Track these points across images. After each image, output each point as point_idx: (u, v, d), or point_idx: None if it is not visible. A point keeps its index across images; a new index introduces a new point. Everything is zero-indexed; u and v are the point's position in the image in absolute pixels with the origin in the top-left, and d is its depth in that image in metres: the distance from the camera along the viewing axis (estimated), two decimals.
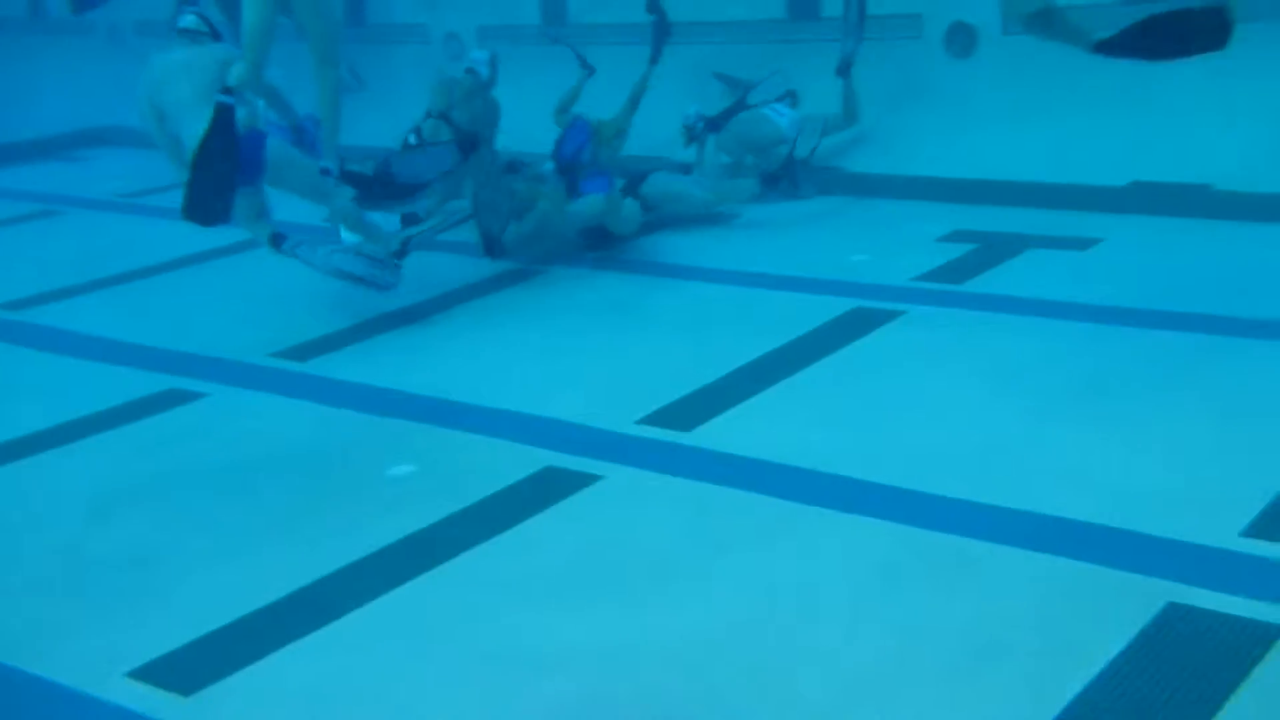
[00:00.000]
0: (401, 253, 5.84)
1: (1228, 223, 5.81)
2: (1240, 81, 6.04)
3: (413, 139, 6.48)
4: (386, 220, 6.30)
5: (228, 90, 5.24)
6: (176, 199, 8.01)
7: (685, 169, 6.95)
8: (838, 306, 5.19)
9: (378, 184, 5.81)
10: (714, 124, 6.97)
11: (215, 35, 5.88)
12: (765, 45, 7.52)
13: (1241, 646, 2.71)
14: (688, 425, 4.16)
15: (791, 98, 7.18)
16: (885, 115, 7.23)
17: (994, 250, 5.79)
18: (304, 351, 5.16)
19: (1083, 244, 5.77)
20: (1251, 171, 5.94)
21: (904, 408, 4.20)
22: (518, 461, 3.97)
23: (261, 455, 4.18)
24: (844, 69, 7.01)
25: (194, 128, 5.24)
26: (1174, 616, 2.84)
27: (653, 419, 4.24)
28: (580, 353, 5.00)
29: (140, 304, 6.06)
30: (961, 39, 6.94)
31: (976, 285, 5.36)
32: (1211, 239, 5.70)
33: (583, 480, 3.82)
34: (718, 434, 4.09)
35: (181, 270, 6.58)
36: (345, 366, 4.98)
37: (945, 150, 6.85)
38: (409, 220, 6.49)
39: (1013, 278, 5.43)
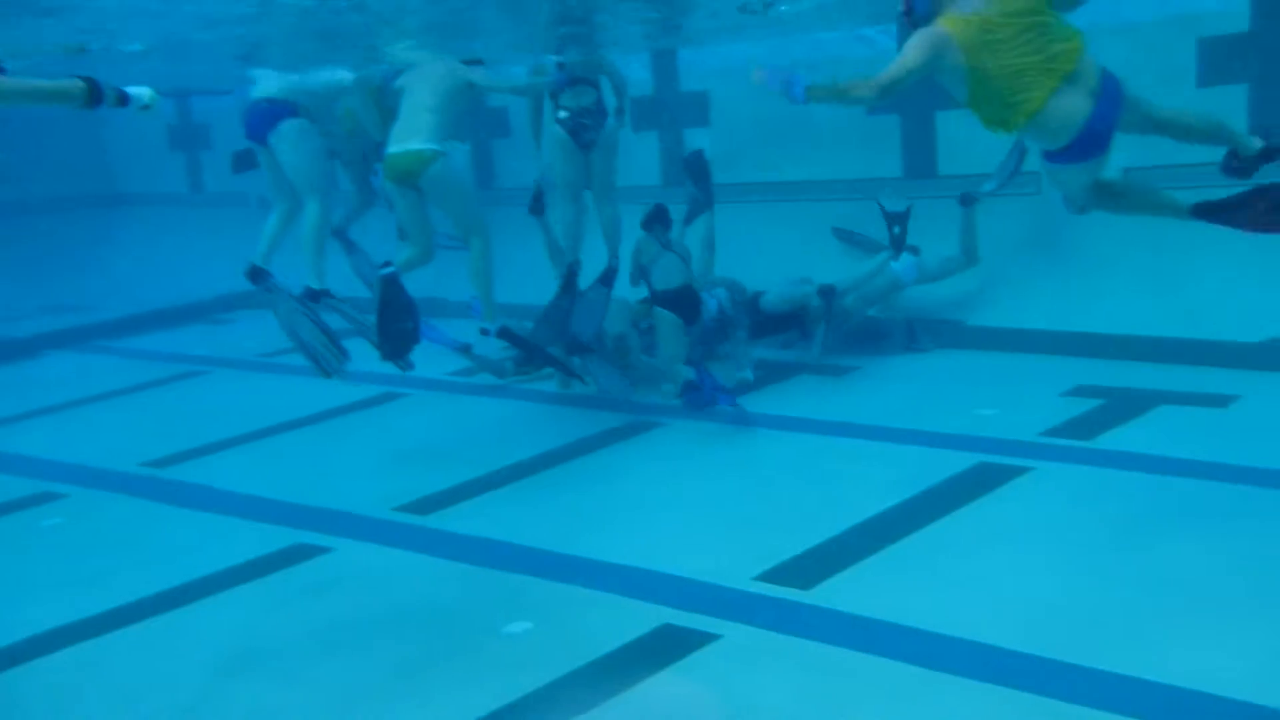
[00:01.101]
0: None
1: None
2: None
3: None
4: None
5: (388, 264, 6.09)
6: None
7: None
8: (962, 461, 5.08)
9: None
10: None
11: None
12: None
13: None
14: (807, 583, 4.07)
15: (910, 250, 7.21)
16: (1007, 270, 7.19)
17: (1123, 406, 5.61)
18: (426, 505, 5.26)
19: (1219, 401, 5.55)
20: None
21: (1034, 569, 4.03)
22: (635, 618, 3.92)
23: (380, 612, 4.22)
24: (968, 200, 7.03)
25: None
26: None
27: (772, 575, 4.16)
28: (698, 506, 4.97)
29: (275, 460, 6.28)
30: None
31: (1108, 442, 5.19)
32: None
33: (701, 639, 3.75)
34: (838, 593, 3.98)
35: (315, 425, 6.83)
36: (465, 520, 5.04)
37: (1068, 305, 6.75)
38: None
39: (1146, 435, 5.24)
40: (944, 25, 4.06)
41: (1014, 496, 4.71)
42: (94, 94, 4.45)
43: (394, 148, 6.43)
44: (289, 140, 6.97)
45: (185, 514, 5.52)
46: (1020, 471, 4.91)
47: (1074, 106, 4.06)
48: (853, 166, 7.82)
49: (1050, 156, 4.27)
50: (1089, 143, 4.12)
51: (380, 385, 7.51)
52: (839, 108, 7.75)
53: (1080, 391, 5.91)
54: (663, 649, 3.71)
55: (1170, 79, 6.37)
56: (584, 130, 6.89)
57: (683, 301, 6.38)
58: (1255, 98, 6.40)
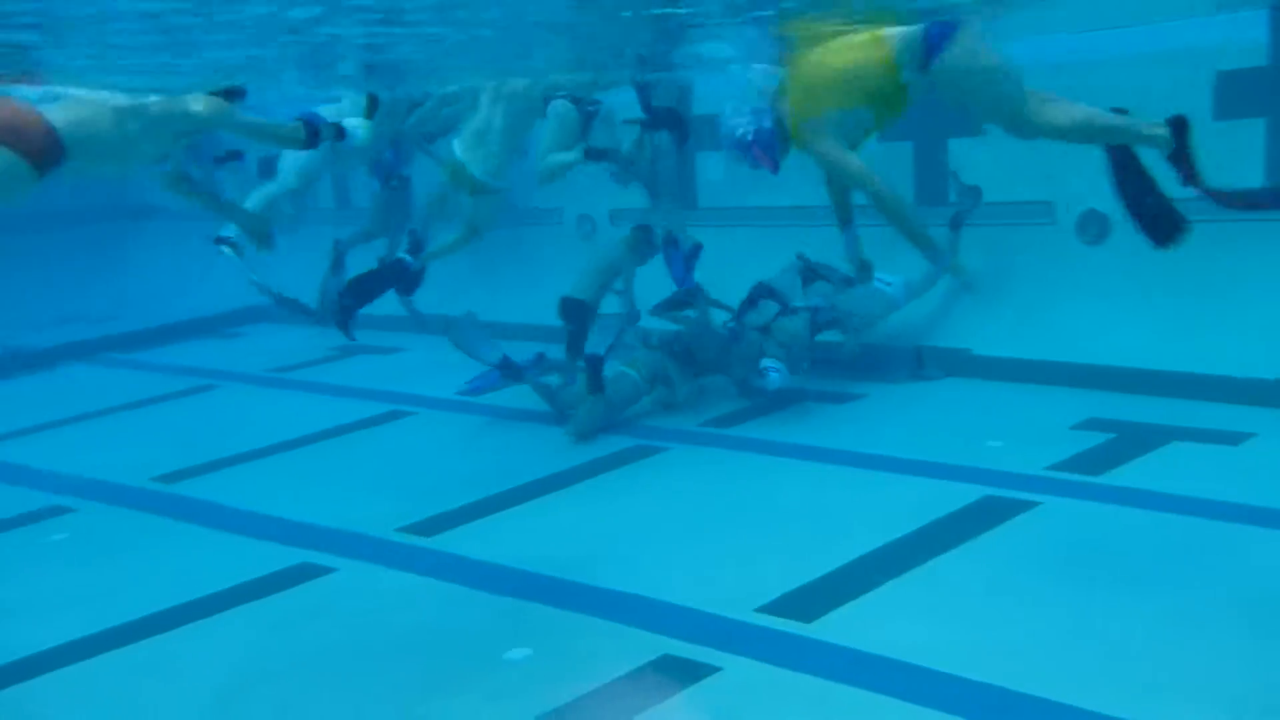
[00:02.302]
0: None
1: None
2: None
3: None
4: None
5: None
6: (322, 373, 8.60)
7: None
8: (968, 494, 5.05)
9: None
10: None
11: None
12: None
13: None
14: (809, 616, 4.05)
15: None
16: (1017, 298, 7.15)
17: (1134, 441, 5.57)
18: (431, 526, 5.25)
19: (1232, 438, 5.50)
20: None
21: (1038, 608, 4.00)
22: (635, 647, 3.91)
23: (381, 636, 4.21)
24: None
25: None
26: None
27: (773, 607, 4.14)
28: (699, 534, 4.95)
29: (282, 476, 6.29)
30: (1094, 227, 6.88)
31: (1117, 478, 5.15)
32: None
33: (700, 671, 3.73)
34: (841, 627, 3.96)
35: (322, 442, 6.84)
36: (468, 542, 5.04)
37: (1080, 336, 6.71)
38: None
39: (1156, 471, 5.19)
40: (800, 118, 4.99)
41: (1019, 532, 4.67)
42: (312, 136, 4.66)
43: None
44: None
45: (192, 530, 5.53)
46: (1027, 506, 4.88)
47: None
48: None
49: (929, 58, 4.92)
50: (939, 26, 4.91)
51: (388, 403, 7.53)
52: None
53: (1091, 425, 5.87)
54: (663, 680, 3.69)
55: (1185, 112, 6.34)
56: (587, 101, 7.29)
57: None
58: (1272, 132, 6.36)
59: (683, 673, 3.72)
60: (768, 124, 5.24)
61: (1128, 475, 5.17)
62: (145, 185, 12.54)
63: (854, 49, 5.13)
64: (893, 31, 5.06)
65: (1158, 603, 3.94)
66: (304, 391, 8.20)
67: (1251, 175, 6.30)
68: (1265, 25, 6.24)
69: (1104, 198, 6.76)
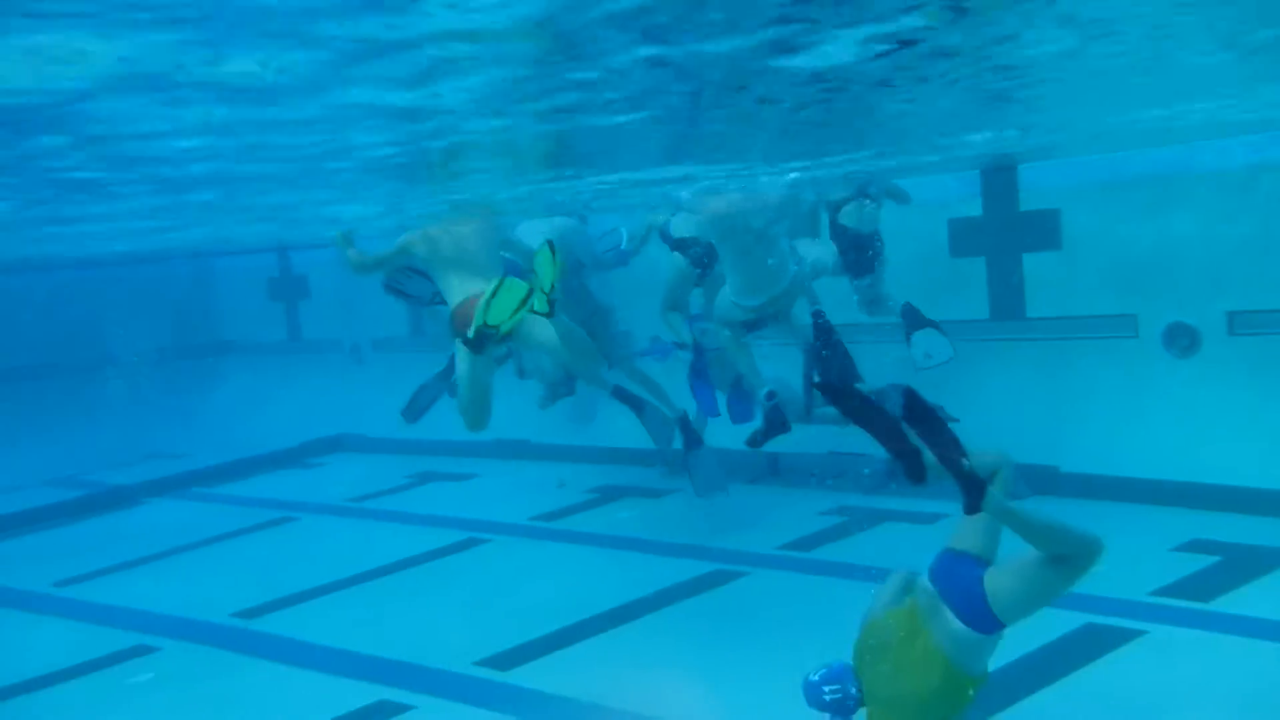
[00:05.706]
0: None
1: None
2: None
3: None
4: None
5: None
6: (400, 501, 8.55)
7: None
8: (1068, 622, 4.80)
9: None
10: None
11: None
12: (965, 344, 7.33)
13: None
14: None
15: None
16: (1103, 415, 6.95)
17: (1242, 564, 5.29)
18: (508, 659, 5.13)
19: None
20: None
21: None
22: None
23: None
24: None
25: None
26: None
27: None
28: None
29: (358, 609, 6.24)
30: (1183, 339, 6.70)
31: (1227, 604, 4.87)
32: None
33: None
34: None
35: (399, 573, 6.80)
36: (545, 676, 4.90)
37: (1174, 453, 6.46)
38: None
39: (1268, 597, 4.90)
40: None
41: (1126, 665, 4.42)
42: None
43: None
44: None
45: (271, 668, 5.48)
46: (1132, 635, 4.63)
47: None
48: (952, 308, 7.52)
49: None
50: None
51: (463, 530, 7.50)
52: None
53: (1193, 547, 5.60)
54: None
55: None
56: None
57: None
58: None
59: None
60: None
61: (1238, 601, 4.89)
62: (226, 321, 12.94)
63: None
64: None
65: None
66: (381, 521, 8.21)
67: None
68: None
69: (1191, 309, 6.64)
